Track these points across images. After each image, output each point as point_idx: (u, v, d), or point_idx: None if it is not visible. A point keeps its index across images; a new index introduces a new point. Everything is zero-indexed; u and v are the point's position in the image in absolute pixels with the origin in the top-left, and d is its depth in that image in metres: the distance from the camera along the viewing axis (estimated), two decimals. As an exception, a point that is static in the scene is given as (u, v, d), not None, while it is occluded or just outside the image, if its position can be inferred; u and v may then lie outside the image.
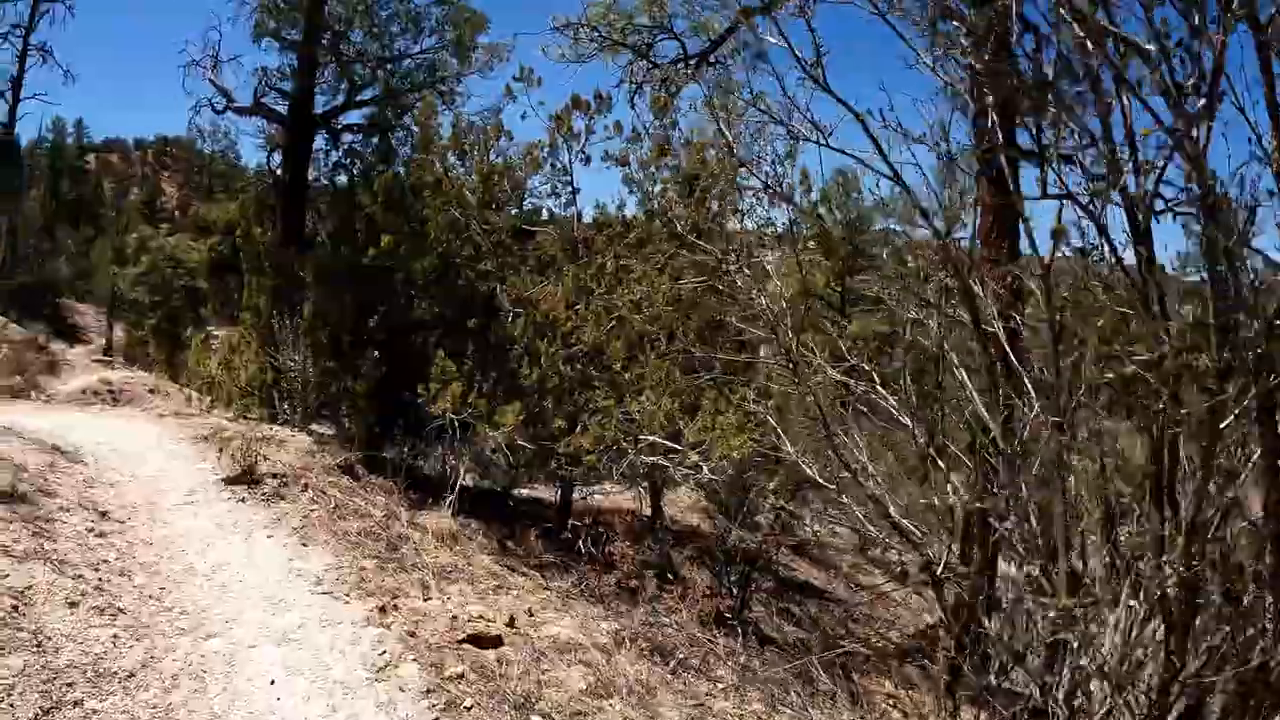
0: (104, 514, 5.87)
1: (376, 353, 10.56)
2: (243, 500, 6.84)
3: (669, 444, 8.63)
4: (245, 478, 7.16)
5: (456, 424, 8.72)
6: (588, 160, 10.58)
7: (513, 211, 11.35)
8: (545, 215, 12.53)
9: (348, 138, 15.34)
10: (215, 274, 29.02)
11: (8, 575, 4.34)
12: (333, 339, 10.78)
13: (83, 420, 9.38)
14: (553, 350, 8.95)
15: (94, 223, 60.80)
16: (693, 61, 15.74)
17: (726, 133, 4.43)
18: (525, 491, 13.62)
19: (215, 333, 33.08)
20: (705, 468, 7.88)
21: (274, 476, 7.35)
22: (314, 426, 10.62)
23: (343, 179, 15.07)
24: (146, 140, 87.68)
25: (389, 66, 15.52)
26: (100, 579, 4.79)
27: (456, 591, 6.46)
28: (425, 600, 6.04)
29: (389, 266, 10.76)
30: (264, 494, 7.01)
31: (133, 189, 79.52)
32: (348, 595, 5.52)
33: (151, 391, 26.71)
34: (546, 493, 13.68)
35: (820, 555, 17.11)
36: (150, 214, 69.90)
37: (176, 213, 68.97)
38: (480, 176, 9.37)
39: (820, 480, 4.73)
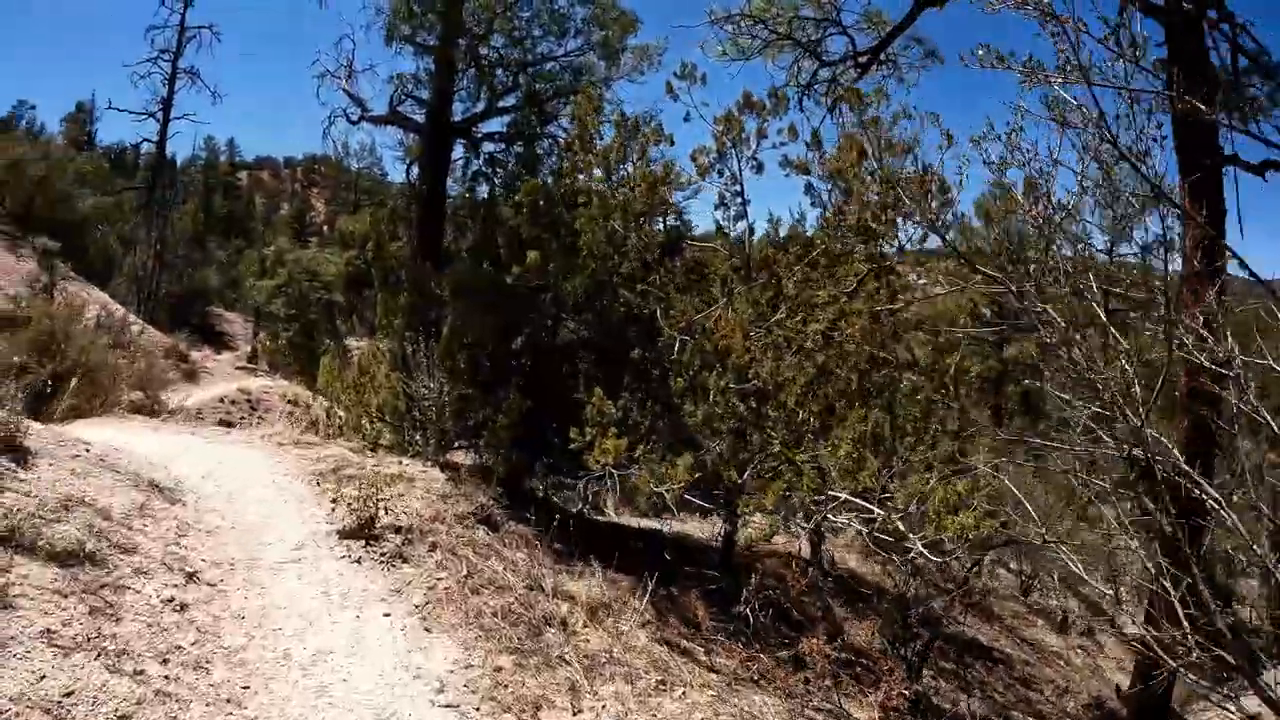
0: (191, 575, 4.82)
1: (520, 380, 9.46)
2: (358, 561, 5.73)
3: (862, 503, 7.13)
4: (363, 531, 6.06)
5: (615, 475, 7.46)
6: (760, 168, 9.18)
7: (670, 224, 10.09)
8: (696, 228, 11.24)
9: (488, 147, 14.43)
10: (351, 288, 29.24)
11: (44, 676, 3.26)
12: (472, 362, 9.74)
13: (195, 445, 8.57)
14: (724, 384, 7.58)
15: (244, 235, 63.76)
16: (863, 59, 14.17)
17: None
18: (675, 525, 12.37)
19: (355, 344, 33.27)
20: (917, 542, 6.33)
21: (397, 530, 6.22)
22: (450, 456, 9.59)
23: (483, 190, 14.16)
24: (296, 159, 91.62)
25: (531, 71, 14.54)
26: (168, 677, 3.68)
27: (613, 696, 5.15)
28: (575, 715, 4.75)
29: (537, 285, 9.65)
30: (384, 554, 5.88)
31: (283, 205, 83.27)
32: (478, 708, 4.28)
33: (291, 402, 26.89)
34: (696, 526, 12.43)
35: (981, 602, 15.32)
36: (299, 229, 72.82)
37: (325, 228, 71.50)
38: (645, 182, 8.09)
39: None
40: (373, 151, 75.29)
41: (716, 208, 9.27)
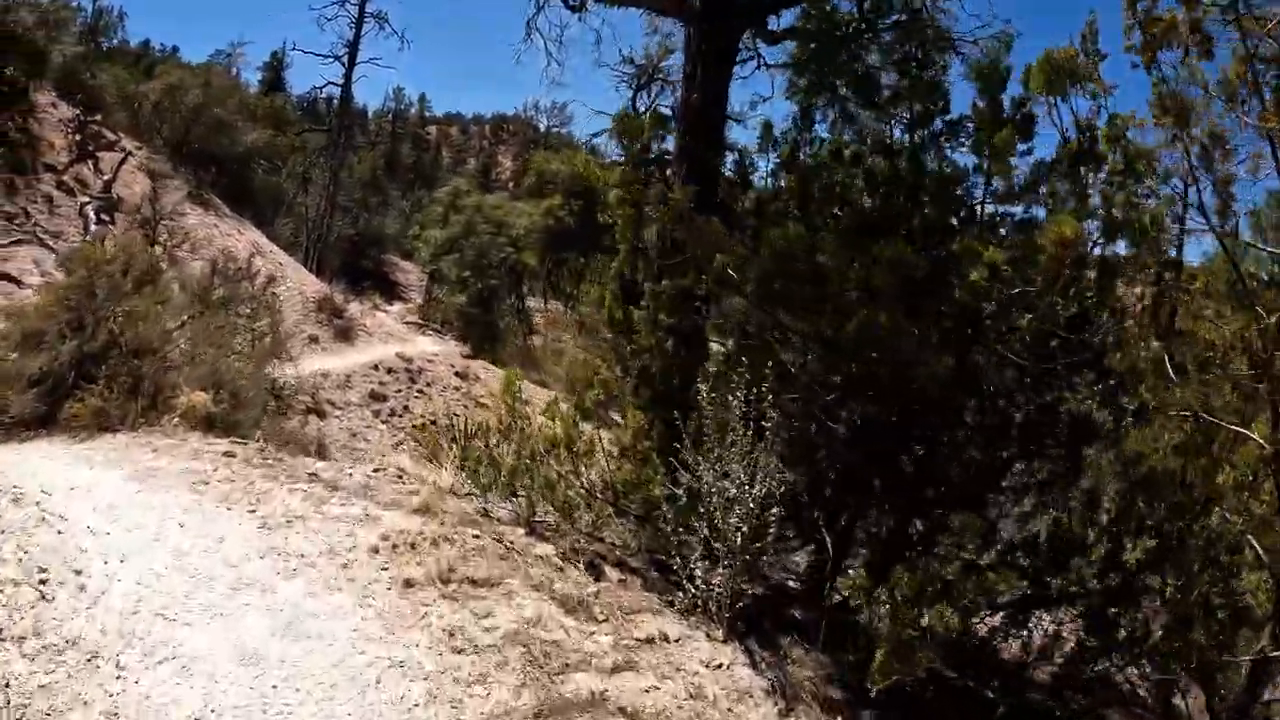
0: None
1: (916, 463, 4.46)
2: None
3: None
4: None
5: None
6: None
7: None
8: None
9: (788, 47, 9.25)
10: (550, 247, 24.05)
11: None
12: (804, 406, 4.80)
13: (201, 565, 3.95)
14: None
15: (428, 186, 62.08)
16: None
17: None
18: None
19: (540, 328, 28.55)
20: None
21: None
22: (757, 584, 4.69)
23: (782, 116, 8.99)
24: (484, 116, 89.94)
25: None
26: None
27: None
28: None
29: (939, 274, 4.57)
30: None
31: (469, 159, 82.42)
32: None
33: (459, 375, 22.97)
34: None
35: None
36: (484, 184, 71.00)
37: (510, 184, 69.38)
38: None
39: None
40: (564, 109, 72.36)
41: None
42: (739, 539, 4.60)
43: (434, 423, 18.09)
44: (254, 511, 4.77)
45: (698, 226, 5.57)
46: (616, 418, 6.72)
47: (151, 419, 6.51)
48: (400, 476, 6.86)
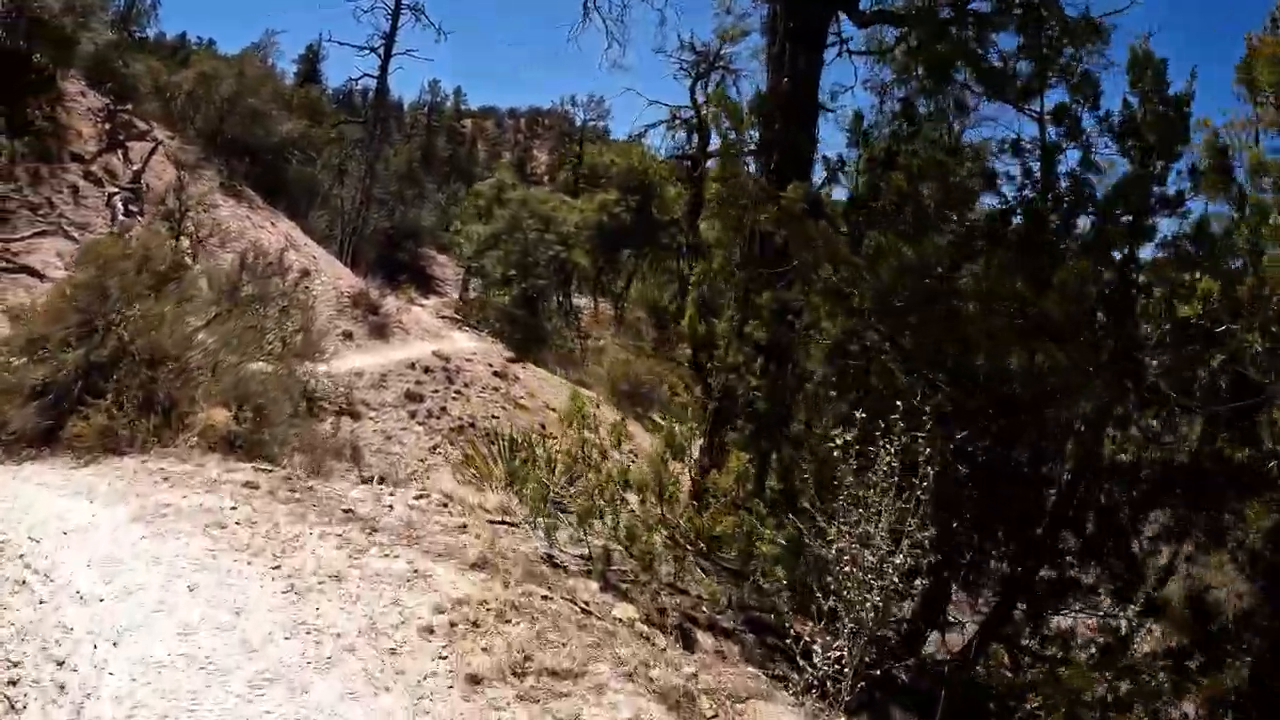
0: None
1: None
2: None
3: None
4: None
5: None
6: None
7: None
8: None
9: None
10: (606, 245, 22.60)
11: None
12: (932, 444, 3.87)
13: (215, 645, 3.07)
14: None
15: (464, 179, 61.50)
16: None
17: None
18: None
19: (589, 330, 27.22)
20: None
21: None
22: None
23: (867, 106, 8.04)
24: (519, 109, 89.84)
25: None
26: None
27: None
28: None
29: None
30: None
31: (504, 153, 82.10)
32: None
33: (498, 375, 22.06)
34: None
35: None
36: (521, 178, 70.47)
37: (546, 178, 68.80)
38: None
39: None
40: (600, 102, 71.43)
41: None
42: (873, 616, 3.69)
43: (471, 425, 17.29)
44: (279, 567, 3.91)
45: (808, 231, 4.64)
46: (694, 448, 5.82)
47: (165, 438, 5.69)
48: (445, 504, 6.03)
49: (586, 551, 5.21)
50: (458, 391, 18.79)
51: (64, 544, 4.10)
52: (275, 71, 30.54)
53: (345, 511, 4.99)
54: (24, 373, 5.92)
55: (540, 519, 5.02)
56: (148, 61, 24.83)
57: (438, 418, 17.17)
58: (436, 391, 18.17)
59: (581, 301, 30.66)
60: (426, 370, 19.09)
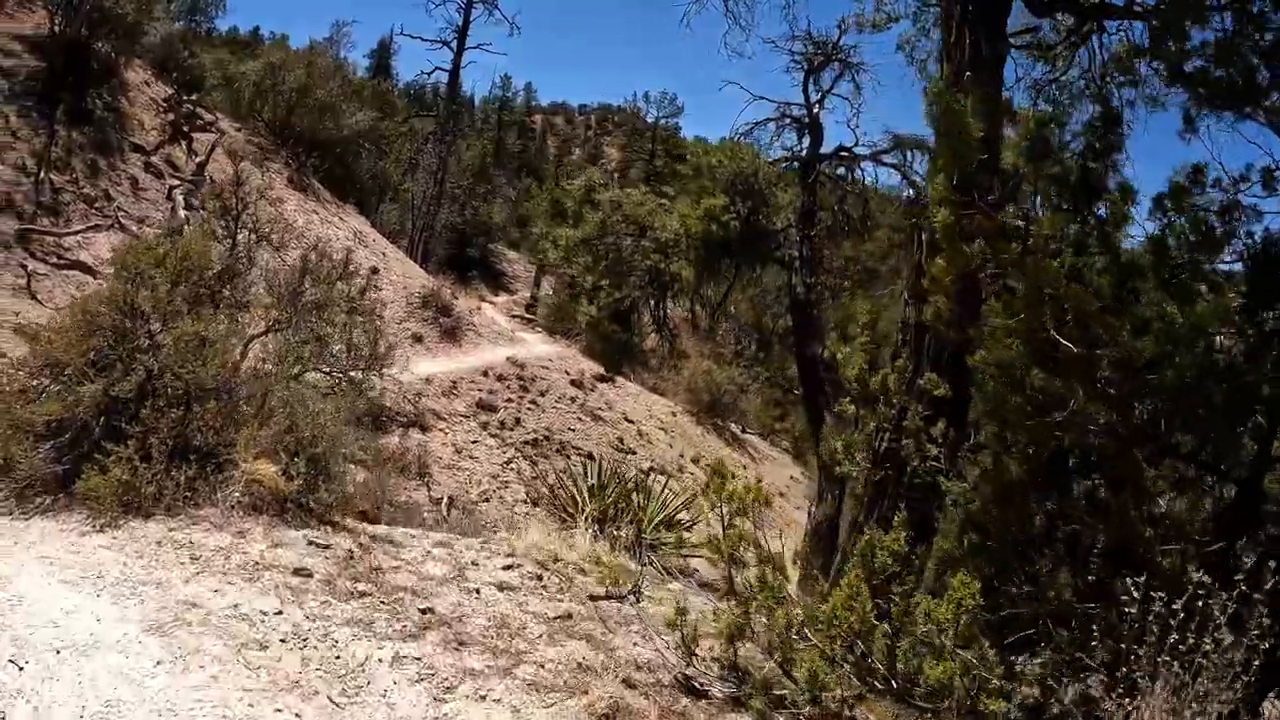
0: None
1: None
2: None
3: None
4: None
5: None
6: None
7: None
8: None
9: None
10: (712, 258, 20.75)
11: None
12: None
13: None
14: None
15: (534, 175, 60.74)
16: None
17: None
18: None
19: (685, 348, 25.38)
20: None
21: None
22: None
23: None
24: (590, 105, 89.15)
25: None
26: None
27: None
28: None
29: None
30: None
31: (574, 149, 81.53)
32: None
33: (575, 384, 20.64)
34: None
35: None
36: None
37: (616, 175, 68.04)
38: None
39: None
40: (673, 100, 70.23)
41: None
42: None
43: (547, 438, 16.04)
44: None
45: (1050, 278, 3.24)
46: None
47: (200, 494, 4.53)
48: (540, 576, 4.82)
49: (731, 662, 3.88)
50: (533, 401, 17.62)
51: (53, 674, 2.95)
52: (346, 64, 29.81)
53: (423, 613, 3.75)
54: (35, 406, 4.83)
55: (687, 637, 3.68)
56: (215, 53, 24.25)
57: (511, 429, 15.99)
58: (510, 401, 17.01)
59: (675, 310, 29.20)
60: (500, 378, 17.96)
